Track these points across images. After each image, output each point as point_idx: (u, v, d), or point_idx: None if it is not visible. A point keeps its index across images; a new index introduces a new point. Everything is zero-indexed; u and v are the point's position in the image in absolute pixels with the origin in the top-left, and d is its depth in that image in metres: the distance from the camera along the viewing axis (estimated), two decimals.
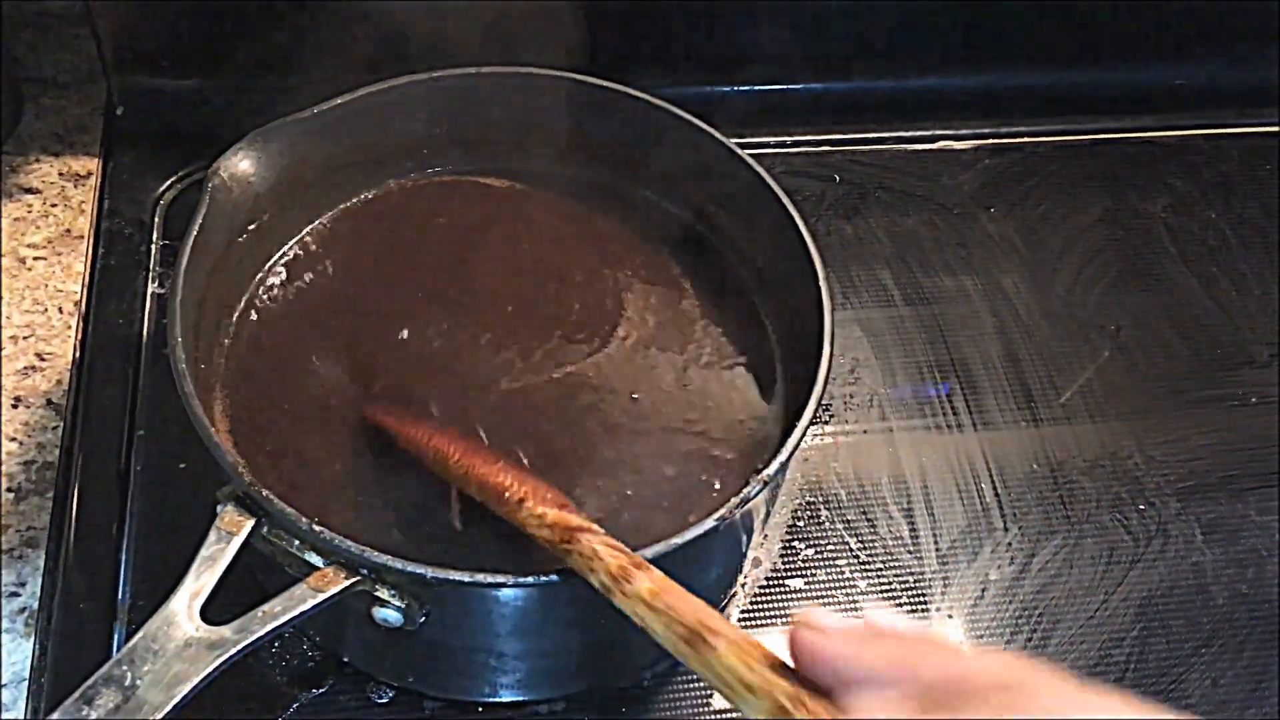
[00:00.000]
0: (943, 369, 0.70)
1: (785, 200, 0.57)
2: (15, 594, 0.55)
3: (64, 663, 0.54)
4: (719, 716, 0.56)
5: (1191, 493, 0.66)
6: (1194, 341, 0.73)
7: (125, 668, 0.40)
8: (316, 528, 0.44)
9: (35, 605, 0.55)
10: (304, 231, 0.61)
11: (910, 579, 0.61)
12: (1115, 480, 0.66)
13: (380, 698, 0.54)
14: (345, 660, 0.55)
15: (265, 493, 0.45)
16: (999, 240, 0.77)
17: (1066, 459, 0.67)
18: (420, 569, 0.43)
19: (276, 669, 0.54)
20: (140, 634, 0.41)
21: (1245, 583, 0.63)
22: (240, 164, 0.56)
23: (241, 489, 0.46)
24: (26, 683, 0.53)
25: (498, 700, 0.54)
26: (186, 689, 0.40)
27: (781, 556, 0.61)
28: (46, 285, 0.66)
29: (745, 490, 0.48)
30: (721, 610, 0.58)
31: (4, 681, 0.52)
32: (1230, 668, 0.59)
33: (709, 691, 0.56)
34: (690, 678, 0.56)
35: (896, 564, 0.61)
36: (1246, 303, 0.76)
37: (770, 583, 0.60)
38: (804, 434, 0.50)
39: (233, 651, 0.41)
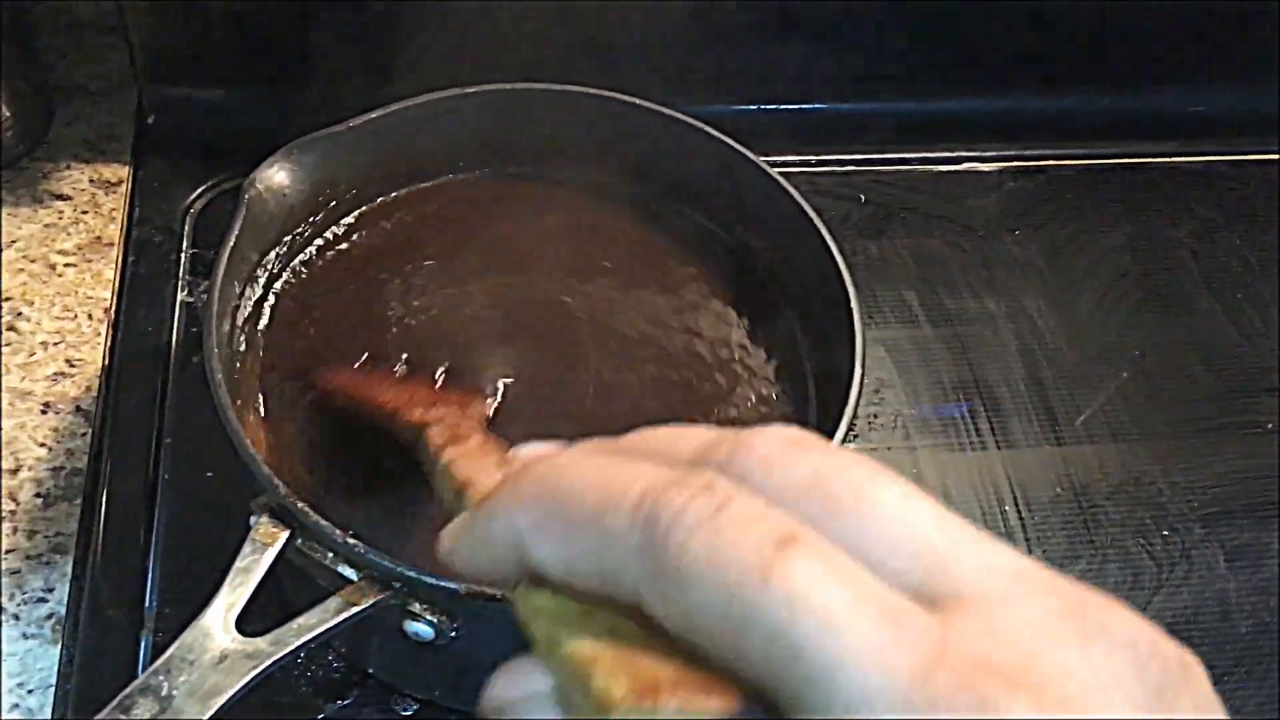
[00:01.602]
0: (966, 390, 0.70)
1: (818, 221, 0.57)
2: (43, 600, 0.55)
3: (90, 670, 0.54)
4: None
5: (1215, 519, 0.66)
6: (1217, 367, 0.73)
7: (162, 678, 0.40)
8: (351, 541, 0.44)
9: (63, 611, 0.55)
10: (338, 243, 0.61)
11: None
12: (1139, 505, 0.66)
13: (405, 710, 0.54)
14: (370, 672, 0.55)
15: (301, 505, 0.45)
16: (1023, 263, 0.77)
17: (1090, 482, 0.67)
18: (454, 584, 0.43)
19: (302, 680, 0.54)
20: (176, 644, 0.41)
21: (1269, 611, 0.63)
22: (276, 176, 0.56)
23: (276, 501, 0.46)
24: (53, 689, 0.53)
25: None
26: (223, 700, 0.40)
27: None
28: (77, 292, 0.67)
29: None
30: None
31: (31, 687, 0.53)
32: (1255, 695, 0.59)
33: None
34: None
35: None
36: (1270, 329, 0.76)
37: None
38: None
39: (268, 663, 0.42)
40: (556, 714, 0.23)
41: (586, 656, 0.22)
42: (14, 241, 0.68)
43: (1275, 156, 0.86)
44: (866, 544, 0.21)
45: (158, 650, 0.42)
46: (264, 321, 0.58)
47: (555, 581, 0.24)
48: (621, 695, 0.21)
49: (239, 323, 0.55)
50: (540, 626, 0.24)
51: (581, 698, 0.22)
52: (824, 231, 0.56)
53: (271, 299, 0.59)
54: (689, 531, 0.21)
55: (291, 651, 0.42)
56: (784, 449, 0.23)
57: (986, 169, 0.82)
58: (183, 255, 0.70)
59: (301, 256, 0.60)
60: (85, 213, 0.71)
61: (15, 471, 0.59)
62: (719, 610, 0.20)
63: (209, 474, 0.60)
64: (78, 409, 0.62)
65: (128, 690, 0.40)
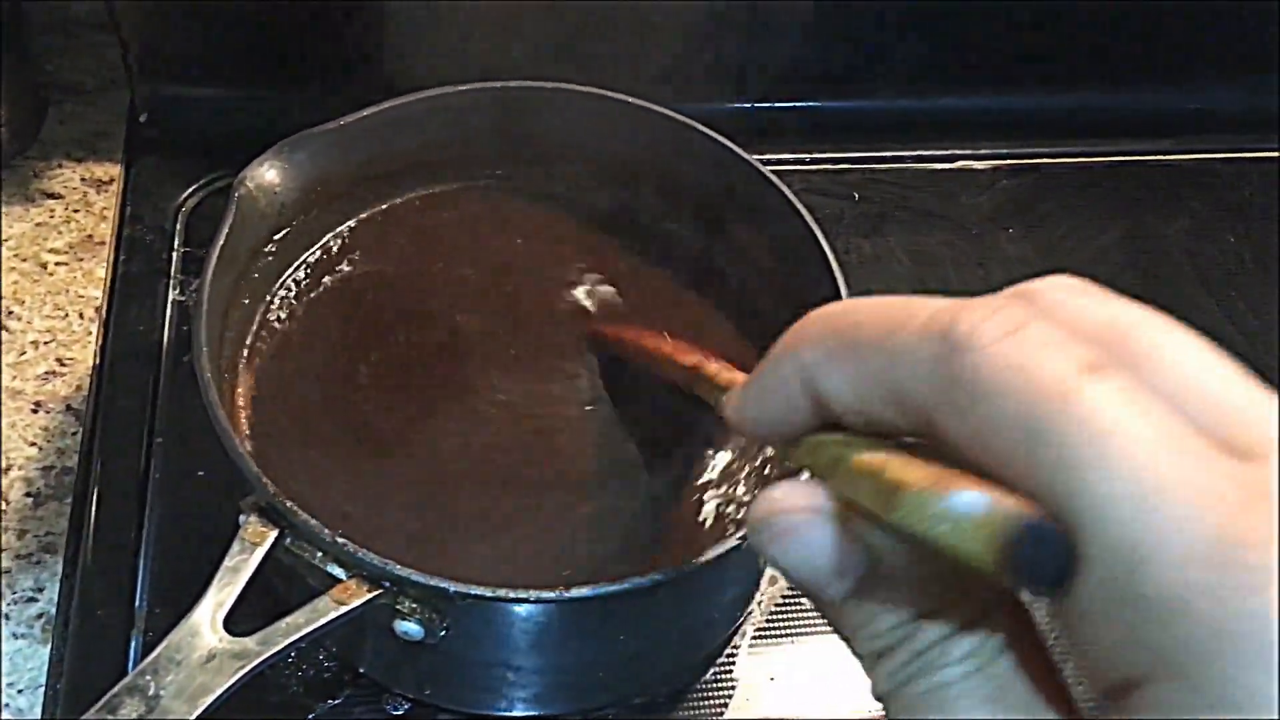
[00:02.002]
0: None
1: (810, 219, 0.57)
2: (33, 599, 0.55)
3: (80, 669, 0.53)
4: None
5: None
6: None
7: (149, 678, 0.40)
8: (340, 540, 0.44)
9: (53, 611, 0.55)
10: (329, 241, 0.61)
11: None
12: None
13: (395, 709, 0.54)
14: (361, 671, 0.54)
15: (289, 504, 0.45)
16: (1018, 260, 0.77)
17: None
18: (444, 583, 0.43)
19: (292, 679, 0.54)
20: (164, 644, 0.41)
21: None
22: (267, 174, 0.56)
23: (265, 500, 0.46)
24: (43, 689, 0.53)
25: (513, 714, 0.54)
26: (210, 700, 0.40)
27: None
28: (68, 291, 0.66)
29: None
30: (737, 628, 0.58)
31: (21, 687, 0.53)
32: None
33: (722, 707, 0.56)
34: (707, 692, 0.56)
35: None
36: (1266, 327, 0.76)
37: (786, 600, 0.60)
38: None
39: (256, 663, 0.41)
40: (831, 535, 0.24)
41: (877, 461, 0.22)
42: (5, 240, 0.68)
43: (1270, 154, 0.86)
44: (1167, 389, 0.21)
45: (148, 650, 0.42)
46: (256, 319, 0.58)
47: (844, 416, 0.24)
48: (915, 479, 0.21)
49: (230, 321, 0.55)
50: (825, 453, 0.24)
51: (870, 493, 0.22)
52: (816, 230, 0.56)
53: (264, 297, 0.59)
54: (989, 341, 0.21)
55: (280, 651, 0.42)
56: (1077, 295, 0.23)
57: (980, 167, 0.82)
58: (174, 254, 0.69)
59: (294, 253, 0.60)
60: (77, 211, 0.70)
61: (5, 470, 0.59)
62: (1013, 425, 0.20)
63: (200, 473, 0.60)
64: (68, 408, 0.62)
65: (114, 690, 0.40)
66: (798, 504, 0.24)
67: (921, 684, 0.23)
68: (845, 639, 0.26)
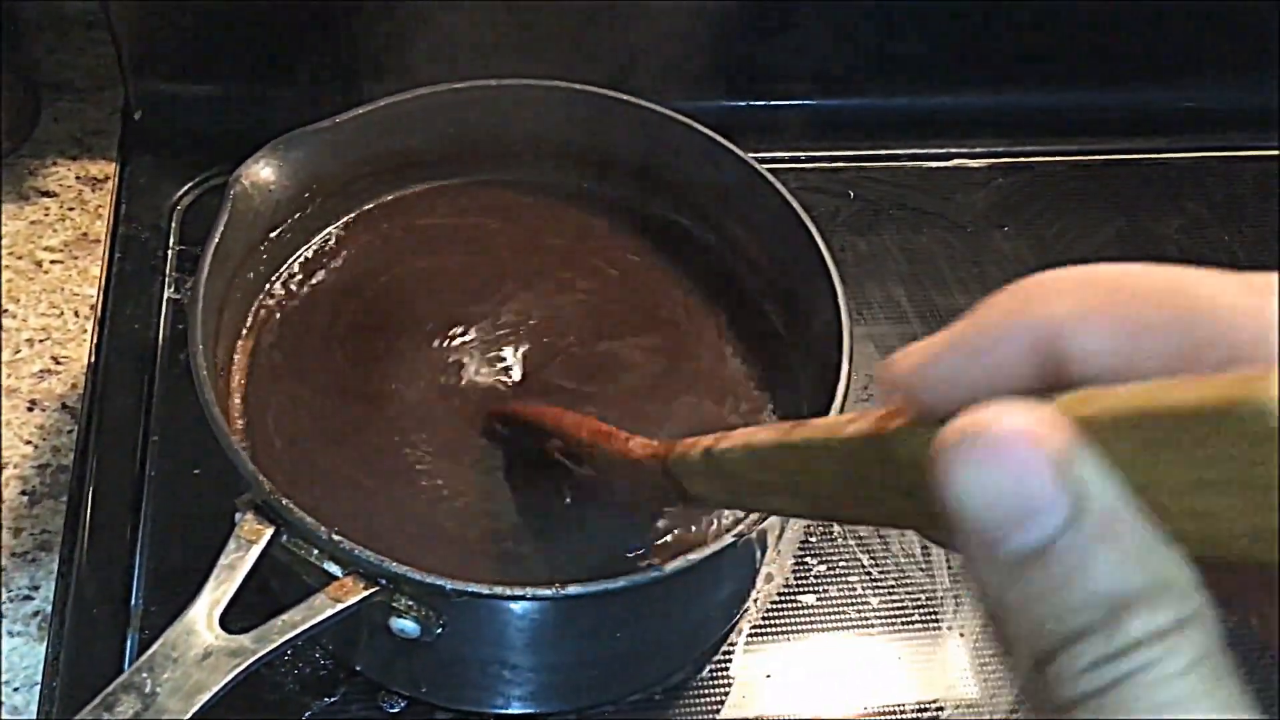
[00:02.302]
0: None
1: (805, 216, 0.57)
2: (29, 597, 0.55)
3: (76, 667, 0.53)
4: None
5: None
6: None
7: (145, 675, 0.40)
8: (336, 537, 0.44)
9: (48, 609, 0.55)
10: (323, 239, 0.61)
11: (922, 596, 0.61)
12: None
13: (392, 707, 0.54)
14: (357, 669, 0.54)
15: (285, 501, 0.45)
16: (1012, 258, 0.77)
17: None
18: (440, 580, 0.43)
19: (289, 677, 0.54)
20: (160, 642, 0.41)
21: None
22: (262, 171, 0.56)
23: (261, 497, 0.46)
24: (39, 687, 0.53)
25: (509, 712, 0.54)
26: (206, 697, 0.40)
27: (794, 572, 0.61)
28: (63, 289, 0.66)
29: None
30: (733, 625, 0.58)
31: (17, 685, 0.52)
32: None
33: (719, 705, 0.56)
34: (703, 690, 0.56)
35: (909, 581, 0.61)
36: None
37: (782, 598, 0.60)
38: None
39: (252, 660, 0.41)
40: (1048, 468, 0.20)
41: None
42: (0, 238, 0.68)
43: (1264, 152, 0.86)
44: None
45: (144, 648, 0.42)
46: (251, 316, 0.58)
47: (1082, 377, 0.22)
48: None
49: (224, 318, 0.55)
50: (1119, 402, 0.21)
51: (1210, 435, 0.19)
52: (811, 227, 0.56)
53: (259, 294, 0.59)
54: None
55: (276, 649, 0.42)
56: None
57: (975, 165, 0.82)
58: (170, 252, 0.69)
59: (288, 250, 0.60)
60: (72, 209, 0.70)
61: (1, 469, 0.59)
62: None
63: (196, 471, 0.60)
64: (64, 406, 0.62)
65: (110, 688, 0.40)
66: (1018, 425, 0.20)
67: (1132, 679, 0.19)
68: (1006, 619, 0.21)
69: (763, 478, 0.33)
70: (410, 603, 0.45)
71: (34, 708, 0.52)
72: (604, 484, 0.48)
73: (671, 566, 0.44)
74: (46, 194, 0.71)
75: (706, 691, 0.57)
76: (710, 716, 0.56)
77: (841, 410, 0.51)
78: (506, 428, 0.55)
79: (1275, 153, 0.86)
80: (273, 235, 0.58)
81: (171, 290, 0.67)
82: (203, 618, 0.42)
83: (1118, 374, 0.21)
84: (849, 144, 0.82)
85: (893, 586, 0.61)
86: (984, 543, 0.21)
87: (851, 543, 0.62)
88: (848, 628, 0.59)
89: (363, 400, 0.55)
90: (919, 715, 0.57)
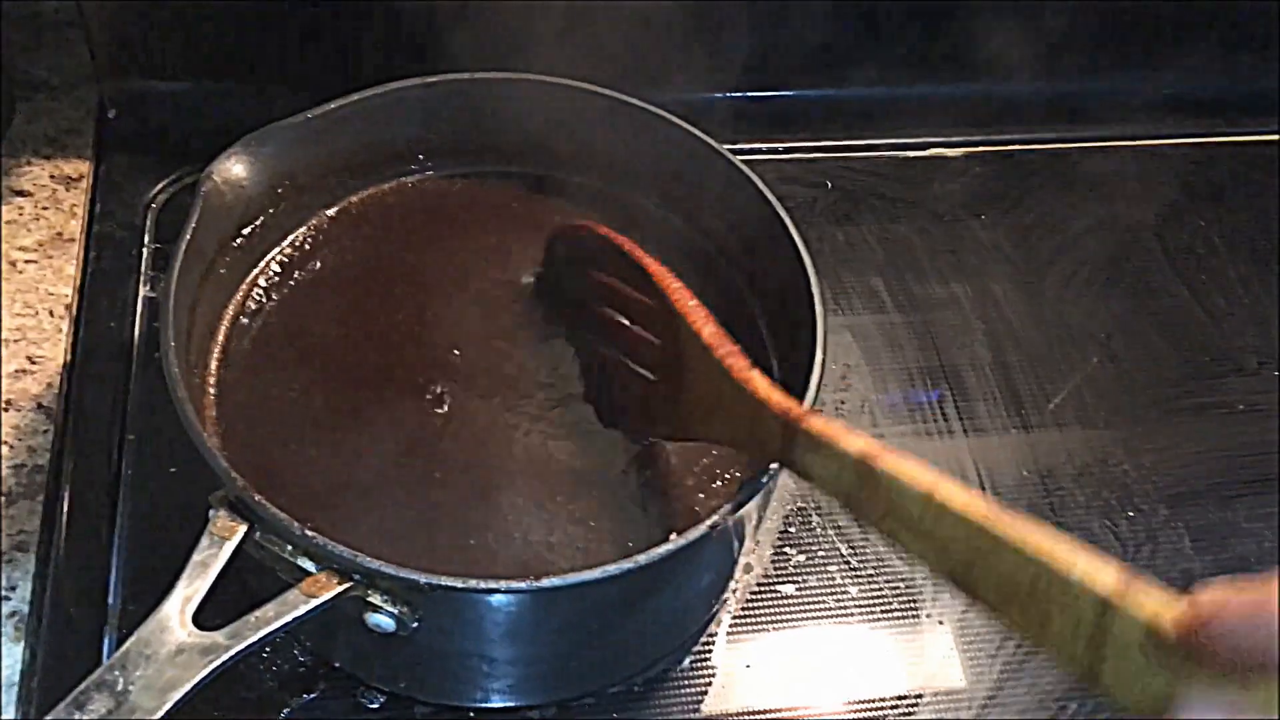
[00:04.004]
0: (933, 375, 0.70)
1: (779, 207, 0.57)
2: (6, 598, 0.55)
3: (54, 667, 0.53)
4: None
5: (1180, 500, 0.66)
6: (1183, 349, 0.74)
7: (117, 673, 0.40)
8: (309, 533, 0.44)
9: (26, 609, 0.55)
10: (296, 235, 0.61)
11: (901, 585, 0.61)
12: (1104, 487, 0.66)
13: (371, 703, 0.54)
14: (336, 665, 0.54)
15: (258, 498, 0.45)
16: (990, 247, 0.77)
17: (1056, 465, 0.67)
18: (414, 575, 0.43)
19: (267, 673, 0.54)
20: (133, 639, 0.41)
21: None
22: (233, 168, 0.56)
23: (234, 494, 0.46)
24: (17, 687, 0.52)
25: (489, 705, 0.54)
26: (179, 694, 0.40)
27: (773, 562, 0.61)
28: (38, 288, 0.66)
29: (738, 496, 0.48)
30: (712, 616, 0.58)
31: None
32: None
33: (700, 696, 0.56)
34: (684, 681, 0.56)
35: (888, 570, 0.61)
36: (1235, 310, 0.76)
37: (762, 588, 0.60)
38: None
39: (225, 657, 0.41)
40: None
41: None
42: None
43: (1242, 138, 0.86)
44: None
45: (121, 646, 0.42)
46: (225, 314, 0.58)
47: None
48: None
49: (198, 316, 0.55)
50: None
51: None
52: (785, 218, 0.56)
53: (233, 291, 0.59)
54: None
55: (249, 645, 0.42)
56: None
57: (952, 154, 0.83)
58: (145, 250, 0.69)
59: (262, 247, 0.60)
60: (46, 208, 0.70)
61: None
62: None
63: (172, 470, 0.60)
64: (39, 406, 0.61)
65: (82, 686, 0.39)
66: None
67: None
68: None
69: (927, 527, 0.31)
70: (385, 597, 0.45)
71: (12, 708, 0.52)
72: (667, 398, 0.43)
73: (646, 557, 0.44)
74: (20, 193, 0.70)
75: (687, 683, 0.57)
76: (691, 707, 0.56)
77: (815, 400, 0.50)
78: (573, 263, 0.52)
79: (1253, 139, 0.87)
80: (246, 231, 0.58)
81: (147, 289, 0.67)
82: (175, 615, 0.42)
83: None
84: (826, 134, 0.82)
85: (872, 576, 0.61)
86: None
87: (830, 533, 0.62)
88: (828, 617, 0.59)
89: (337, 397, 0.55)
90: (899, 703, 0.57)
